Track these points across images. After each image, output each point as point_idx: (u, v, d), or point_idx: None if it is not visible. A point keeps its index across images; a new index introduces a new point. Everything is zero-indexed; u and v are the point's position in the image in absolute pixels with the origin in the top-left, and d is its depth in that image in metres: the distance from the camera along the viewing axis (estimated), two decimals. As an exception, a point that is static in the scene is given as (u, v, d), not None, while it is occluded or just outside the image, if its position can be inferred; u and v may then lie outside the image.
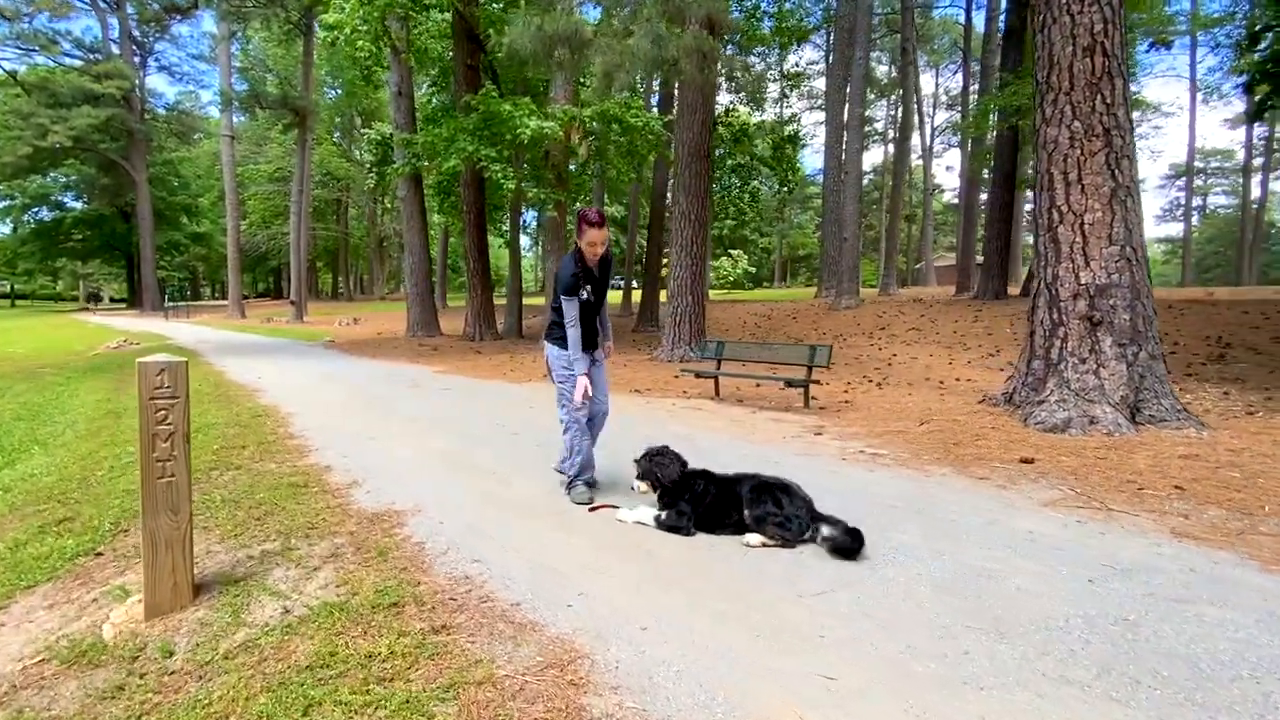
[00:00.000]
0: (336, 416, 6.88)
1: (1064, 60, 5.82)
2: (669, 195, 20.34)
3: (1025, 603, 2.63)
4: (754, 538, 3.19)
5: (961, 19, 43.87)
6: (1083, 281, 5.87)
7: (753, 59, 29.60)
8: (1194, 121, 41.46)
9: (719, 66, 11.48)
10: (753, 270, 49.56)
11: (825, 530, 3.13)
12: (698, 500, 3.37)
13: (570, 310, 3.87)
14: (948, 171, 61.67)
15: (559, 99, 14.66)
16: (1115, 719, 1.88)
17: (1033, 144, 6.35)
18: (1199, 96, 39.63)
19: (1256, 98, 9.07)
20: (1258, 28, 8.83)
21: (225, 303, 42.66)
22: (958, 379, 10.43)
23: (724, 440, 5.97)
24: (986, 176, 27.60)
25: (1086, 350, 5.85)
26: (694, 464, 3.87)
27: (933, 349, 14.15)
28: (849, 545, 3.04)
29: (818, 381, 8.21)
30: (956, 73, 50.13)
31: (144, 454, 2.52)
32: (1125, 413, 5.63)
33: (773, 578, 2.83)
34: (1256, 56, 8.76)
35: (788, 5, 23.39)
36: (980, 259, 25.24)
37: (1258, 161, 43.07)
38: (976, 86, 42.33)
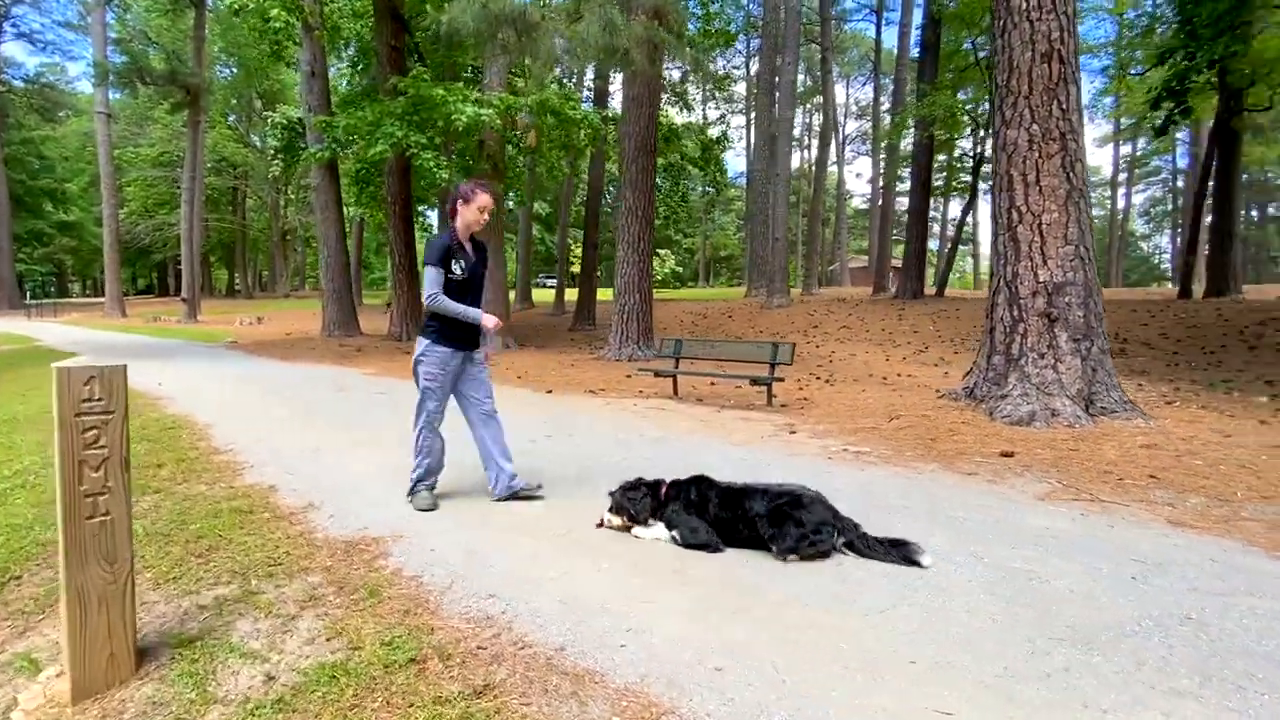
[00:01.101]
0: (267, 426, 6.07)
1: (1023, 65, 6.01)
2: (615, 191, 19.95)
3: (1086, 606, 2.53)
4: (790, 556, 2.95)
5: (871, 33, 46.24)
6: (1041, 279, 6.08)
7: (678, 63, 29.76)
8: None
9: (669, 60, 11.26)
10: (680, 270, 50.12)
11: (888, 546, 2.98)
12: (698, 509, 3.09)
13: (436, 280, 3.54)
14: (857, 178, 65.04)
15: (493, 85, 13.97)
16: (1244, 734, 1.77)
17: (993, 145, 6.54)
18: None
19: (1162, 113, 9.97)
20: (1164, 50, 9.69)
21: (100, 300, 38.11)
22: (899, 375, 10.76)
23: (701, 441, 5.73)
24: (896, 183, 29.17)
25: (1045, 346, 6.07)
26: (681, 469, 3.62)
27: (866, 346, 14.64)
28: (914, 558, 2.87)
29: (781, 379, 8.15)
30: (866, 84, 52.94)
31: (66, 487, 1.93)
32: (1081, 405, 5.87)
33: (827, 595, 2.59)
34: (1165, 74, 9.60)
35: (714, 7, 23.64)
36: (898, 262, 26.63)
37: (1122, 176, 48.28)
38: (889, 98, 44.74)
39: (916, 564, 2.87)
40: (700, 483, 3.18)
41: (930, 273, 28.72)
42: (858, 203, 59.47)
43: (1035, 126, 6.00)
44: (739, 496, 3.11)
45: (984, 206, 24.03)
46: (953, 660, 2.12)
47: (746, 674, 2.00)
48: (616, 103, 21.60)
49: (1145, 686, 1.98)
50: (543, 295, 34.03)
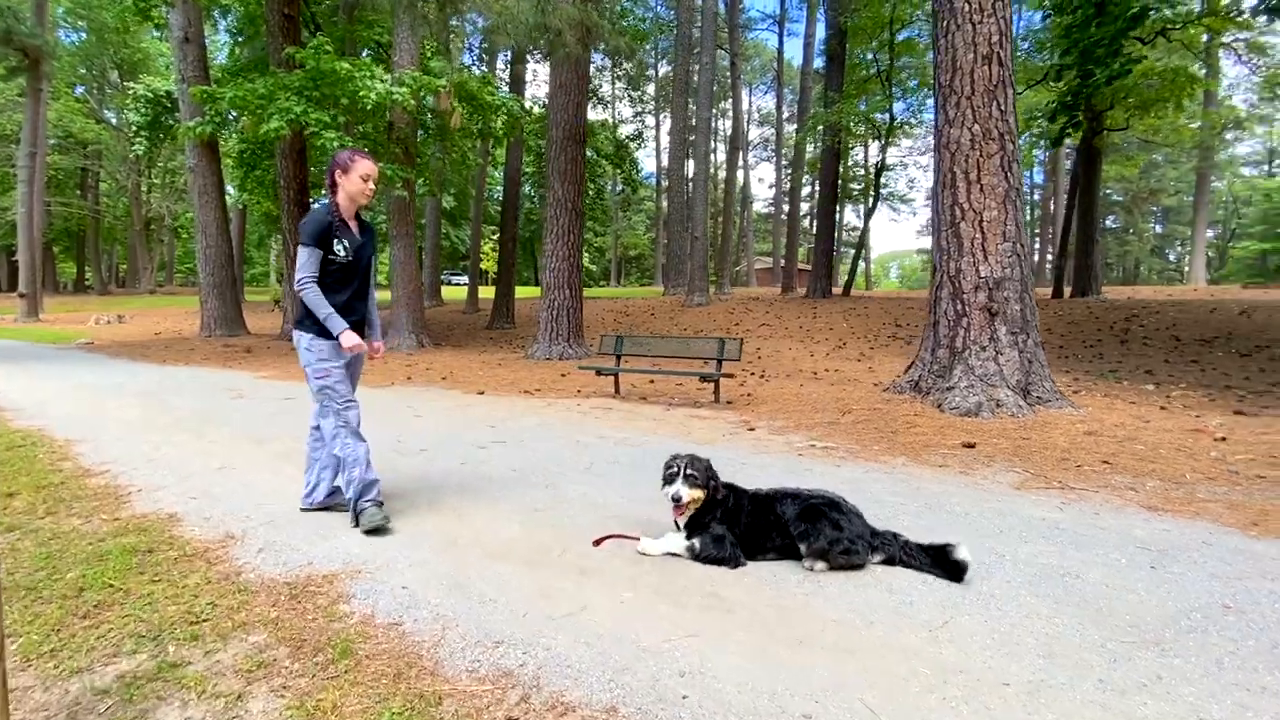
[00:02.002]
0: (152, 441, 5.07)
1: (966, 65, 6.17)
2: (531, 181, 19.22)
3: (1129, 602, 2.44)
4: (818, 564, 2.69)
5: (772, 43, 48.08)
6: (982, 274, 6.28)
7: (596, 56, 29.33)
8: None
9: (601, 47, 10.85)
10: (591, 268, 49.61)
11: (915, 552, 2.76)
12: (730, 519, 2.77)
13: (311, 263, 3.02)
14: (759, 183, 67.62)
15: (404, 64, 12.93)
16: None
17: (934, 142, 6.69)
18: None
19: (1058, 126, 10.86)
20: (1060, 67, 10.55)
21: (-95, 296, 32.01)
22: (826, 370, 10.98)
23: (664, 441, 5.40)
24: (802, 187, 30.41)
25: (986, 339, 6.27)
26: (652, 471, 3.28)
27: (789, 343, 14.96)
28: (954, 560, 2.68)
29: (730, 375, 8.01)
30: (768, 93, 55.04)
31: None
32: (1020, 395, 6.11)
33: (883, 610, 2.34)
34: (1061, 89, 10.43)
35: (624, 4, 23.46)
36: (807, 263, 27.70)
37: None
38: (790, 107, 46.61)
39: (960, 567, 2.69)
40: (729, 489, 2.84)
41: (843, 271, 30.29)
42: (759, 207, 61.72)
43: (977, 126, 6.19)
44: (769, 502, 2.80)
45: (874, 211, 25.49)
46: (1044, 677, 1.92)
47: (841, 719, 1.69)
48: (533, 91, 20.87)
49: (1237, 687, 1.87)
50: (451, 293, 32.41)
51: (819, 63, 27.79)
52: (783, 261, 45.02)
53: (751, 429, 6.04)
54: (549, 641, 2.07)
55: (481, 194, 22.53)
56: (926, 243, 68.34)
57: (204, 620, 2.18)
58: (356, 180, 3.10)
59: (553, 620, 2.22)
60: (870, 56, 22.57)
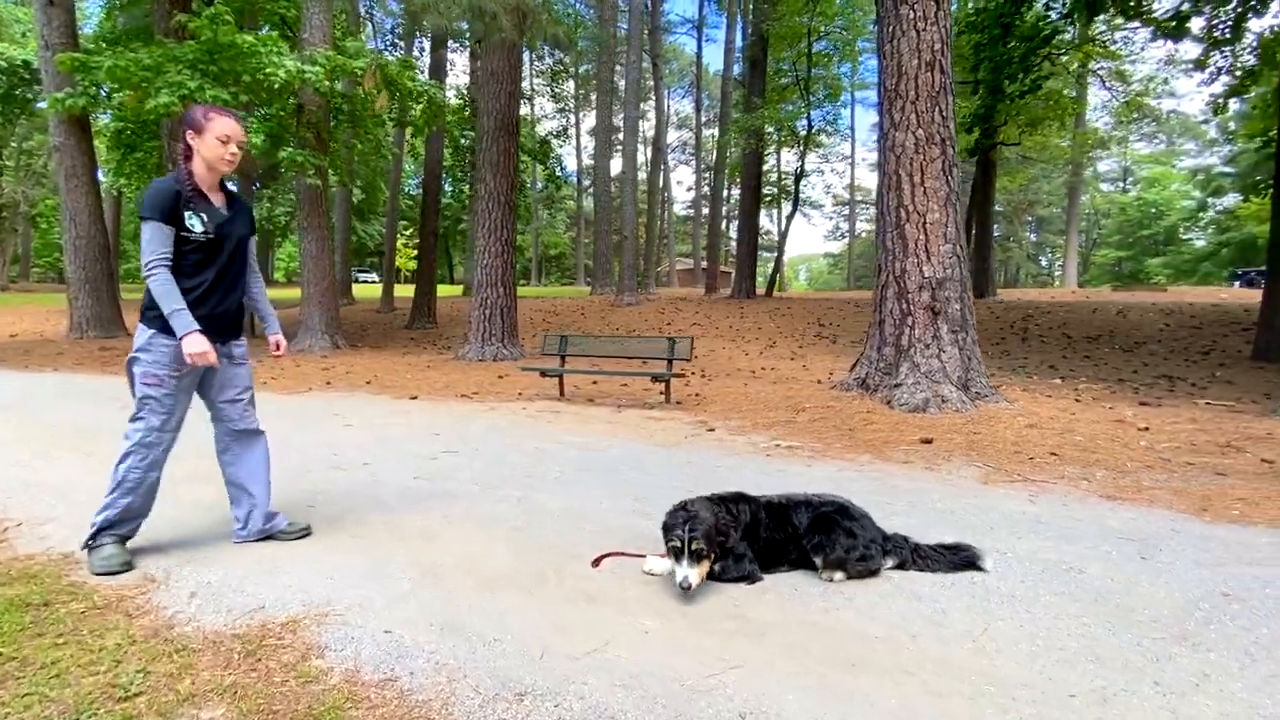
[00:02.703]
0: (22, 463, 4.25)
1: (911, 71, 6.35)
2: (452, 175, 18.41)
3: (1138, 595, 2.47)
4: (836, 574, 2.55)
5: (690, 48, 48.85)
6: (926, 275, 6.49)
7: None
8: (854, 163, 52.78)
9: (540, 33, 10.42)
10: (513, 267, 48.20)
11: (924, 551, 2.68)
12: (750, 534, 2.59)
13: (159, 241, 2.48)
14: (678, 185, 68.70)
15: (314, 40, 11.91)
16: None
17: (879, 145, 6.84)
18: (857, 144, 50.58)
19: (973, 137, 11.58)
20: (978, 81, 11.26)
21: None
22: (763, 369, 11.13)
23: (627, 445, 5.17)
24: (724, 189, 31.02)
25: (930, 337, 6.48)
26: (628, 477, 3.09)
27: (721, 342, 15.10)
28: (971, 560, 2.62)
29: (681, 374, 7.87)
30: (685, 96, 55.90)
31: None
32: (962, 390, 6.36)
33: (917, 621, 2.23)
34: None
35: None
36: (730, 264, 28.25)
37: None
38: (708, 111, 47.50)
39: (979, 568, 2.64)
40: (743, 500, 2.64)
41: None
42: (678, 209, 62.62)
43: (920, 130, 6.38)
44: (784, 512, 2.64)
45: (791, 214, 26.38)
46: (1102, 684, 1.86)
47: (935, 755, 1.53)
48: (452, 80, 19.96)
49: (1272, 679, 1.89)
50: (362, 291, 30.52)
51: (738, 69, 28.45)
52: (704, 263, 45.88)
53: (711, 430, 5.92)
54: (580, 688, 1.79)
55: (397, 186, 21.30)
56: (834, 246, 71.91)
57: (136, 695, 1.73)
58: (213, 143, 2.57)
59: (575, 660, 1.94)
60: (789, 66, 23.32)
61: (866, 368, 6.99)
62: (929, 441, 5.22)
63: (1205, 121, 46.49)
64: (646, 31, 34.03)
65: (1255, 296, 20.22)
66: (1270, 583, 2.58)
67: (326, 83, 10.58)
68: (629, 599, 2.36)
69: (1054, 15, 9.73)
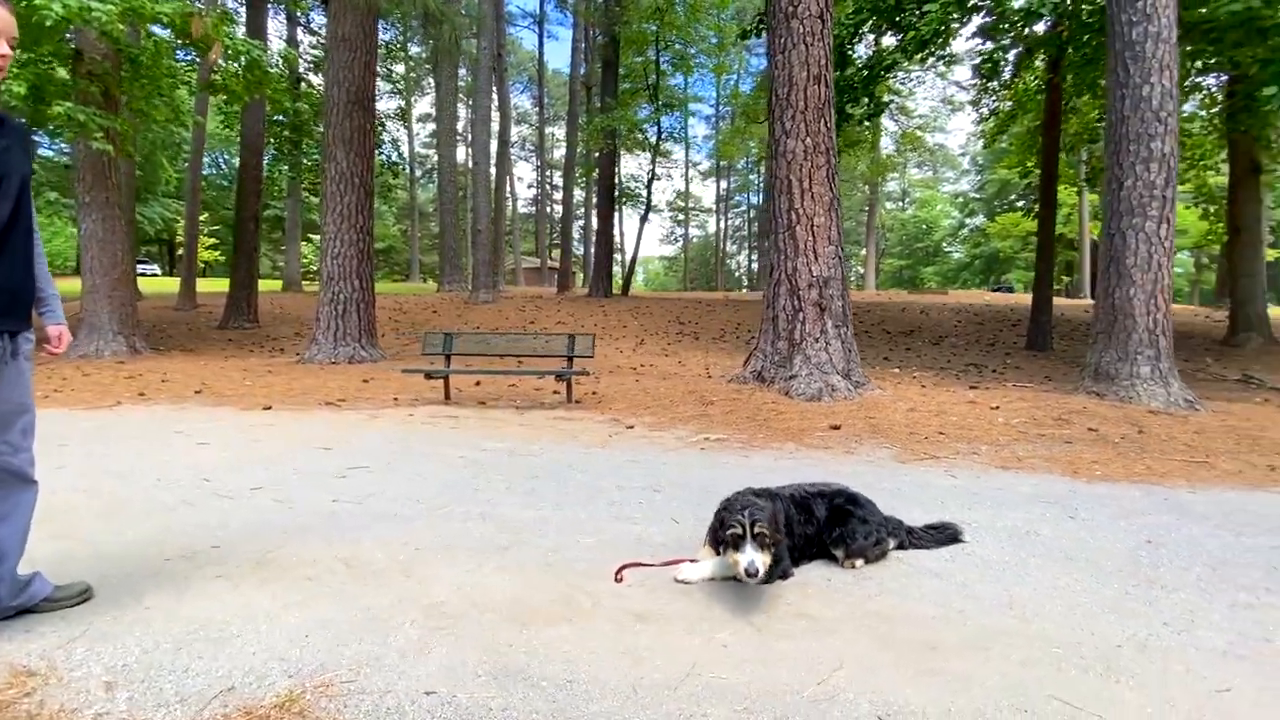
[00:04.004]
0: None
1: (801, 82, 6.77)
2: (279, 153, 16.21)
3: (1093, 550, 2.83)
4: (858, 561, 2.60)
5: (528, 42, 47.99)
6: (814, 274, 6.97)
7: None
8: (687, 171, 55.79)
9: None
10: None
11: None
12: (787, 531, 2.53)
13: None
14: (520, 181, 67.13)
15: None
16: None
17: (770, 150, 7.21)
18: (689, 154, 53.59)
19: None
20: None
21: None
22: (644, 365, 11.27)
23: (557, 448, 4.87)
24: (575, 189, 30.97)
25: (819, 331, 6.98)
26: (582, 481, 2.97)
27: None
28: (955, 535, 2.80)
29: (585, 372, 7.62)
30: (524, 91, 54.88)
31: None
32: (846, 380, 6.95)
33: (955, 598, 2.32)
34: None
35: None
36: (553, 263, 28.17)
37: (721, 205, 61.10)
38: (554, 108, 47.01)
39: (961, 541, 2.84)
40: (775, 498, 2.54)
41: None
42: (520, 206, 61.31)
43: (809, 139, 6.83)
44: (808, 504, 2.60)
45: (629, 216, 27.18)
46: (1133, 633, 2.07)
47: (1072, 724, 1.58)
48: (276, 47, 17.44)
49: (1241, 607, 2.26)
50: (146, 285, 25.50)
51: (583, 69, 28.53)
52: (550, 261, 45.37)
53: (630, 427, 5.80)
54: None
55: (199, 162, 18.11)
56: (669, 250, 75.29)
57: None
58: None
59: (674, 690, 1.71)
60: (641, 71, 23.89)
61: (762, 361, 7.34)
62: (837, 428, 5.61)
63: (963, 154, 56.50)
64: (494, 18, 32.78)
65: (1010, 300, 25.02)
66: (1173, 528, 3.12)
67: (120, 27, 8.60)
68: (679, 613, 2.17)
69: (889, 48, 11.15)
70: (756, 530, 2.20)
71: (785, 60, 6.81)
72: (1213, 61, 9.37)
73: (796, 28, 6.68)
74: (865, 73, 11.20)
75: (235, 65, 11.59)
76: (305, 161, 21.26)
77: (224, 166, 44.00)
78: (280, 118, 17.80)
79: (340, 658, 1.85)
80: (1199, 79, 12.84)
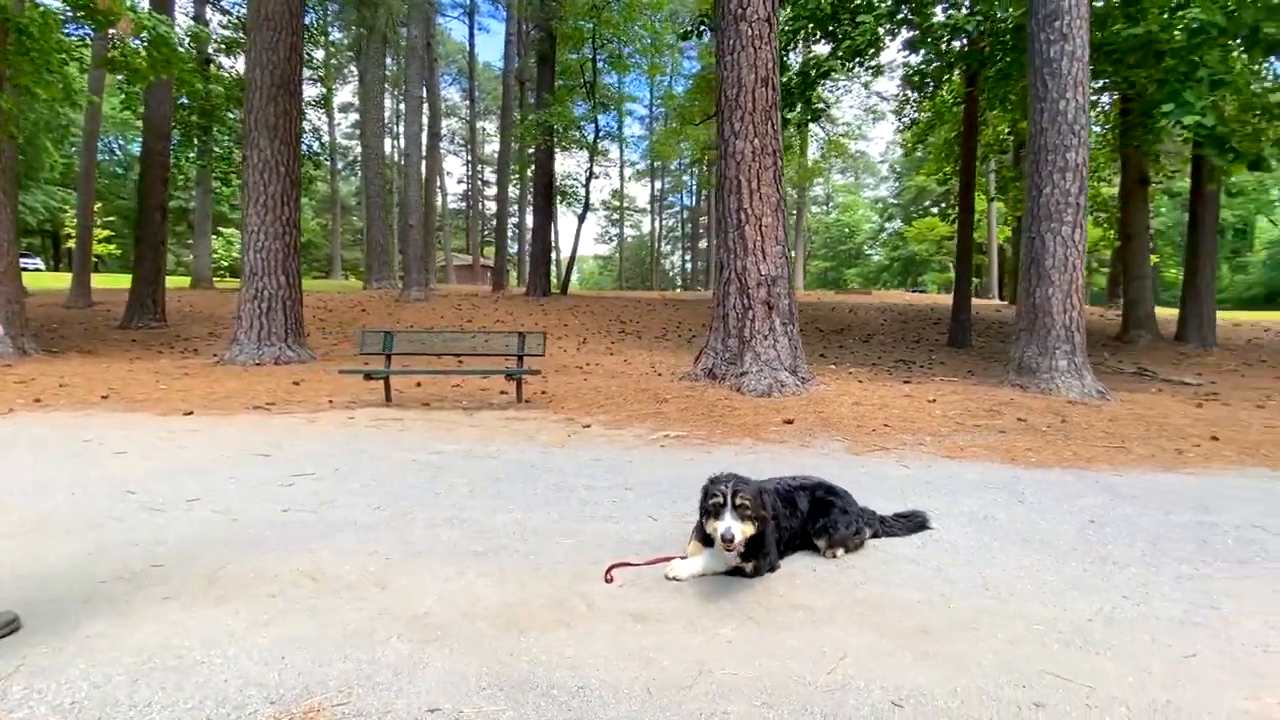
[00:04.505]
0: None
1: (749, 84, 6.88)
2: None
3: (1045, 530, 3.01)
4: (839, 551, 2.65)
5: (457, 34, 46.72)
6: (763, 272, 7.12)
7: None
8: (622, 171, 55.87)
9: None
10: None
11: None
12: (775, 524, 2.55)
13: None
14: (449, 176, 65.16)
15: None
16: None
17: (720, 151, 7.29)
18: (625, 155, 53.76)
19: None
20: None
21: None
22: (590, 364, 11.17)
23: (516, 448, 4.74)
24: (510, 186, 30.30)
25: (767, 329, 7.13)
26: (552, 481, 2.94)
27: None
28: (923, 523, 2.91)
29: (537, 371, 7.45)
30: (452, 84, 53.33)
31: None
32: (794, 375, 7.13)
33: (934, 582, 2.41)
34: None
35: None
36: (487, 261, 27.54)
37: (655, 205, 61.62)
38: (485, 100, 45.80)
39: (929, 528, 2.96)
40: (764, 493, 2.54)
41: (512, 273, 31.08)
42: (449, 202, 59.53)
43: (756, 140, 6.96)
44: (792, 497, 2.63)
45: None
46: (1098, 607, 2.21)
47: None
48: (182, 24, 16.15)
49: (1186, 579, 2.45)
50: (32, 280, 22.98)
51: (516, 62, 27.99)
52: (484, 259, 44.30)
53: (587, 426, 5.72)
54: (725, 718, 1.56)
55: (93, 147, 16.48)
56: (604, 249, 75.20)
57: None
58: None
59: (689, 689, 1.68)
60: (578, 68, 23.67)
61: (713, 358, 7.41)
62: (790, 422, 5.74)
63: (882, 161, 59.46)
64: (425, 4, 31.59)
65: (928, 299, 26.56)
66: (1109, 508, 3.37)
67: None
68: (676, 611, 2.14)
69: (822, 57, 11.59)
70: (738, 501, 2.24)
71: (734, 62, 6.91)
72: (1111, 81, 10.27)
73: (745, 30, 6.79)
74: (801, 78, 11.55)
75: (139, 42, 10.66)
76: (216, 149, 19.81)
77: (119, 153, 40.35)
78: (184, 100, 16.46)
79: (325, 678, 1.70)
80: (1095, 97, 14.04)
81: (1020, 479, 4.02)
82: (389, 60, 34.25)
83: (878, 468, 4.32)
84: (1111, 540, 2.89)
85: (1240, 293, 41.07)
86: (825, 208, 70.49)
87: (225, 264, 32.47)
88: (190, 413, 6.10)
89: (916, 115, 18.21)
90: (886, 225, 60.32)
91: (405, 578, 2.36)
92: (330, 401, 6.96)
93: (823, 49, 12.51)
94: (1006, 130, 18.78)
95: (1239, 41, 8.29)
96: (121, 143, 39.02)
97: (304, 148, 19.89)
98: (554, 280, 24.23)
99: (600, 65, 24.44)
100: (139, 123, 19.44)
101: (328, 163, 40.37)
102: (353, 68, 40.56)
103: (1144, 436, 5.31)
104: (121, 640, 1.87)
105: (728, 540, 2.20)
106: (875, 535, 2.87)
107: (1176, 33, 7.58)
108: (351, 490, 3.57)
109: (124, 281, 15.36)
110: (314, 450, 4.61)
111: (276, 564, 2.46)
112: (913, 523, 2.98)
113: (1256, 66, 10.81)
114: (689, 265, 65.02)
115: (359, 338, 7.36)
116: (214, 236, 32.63)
